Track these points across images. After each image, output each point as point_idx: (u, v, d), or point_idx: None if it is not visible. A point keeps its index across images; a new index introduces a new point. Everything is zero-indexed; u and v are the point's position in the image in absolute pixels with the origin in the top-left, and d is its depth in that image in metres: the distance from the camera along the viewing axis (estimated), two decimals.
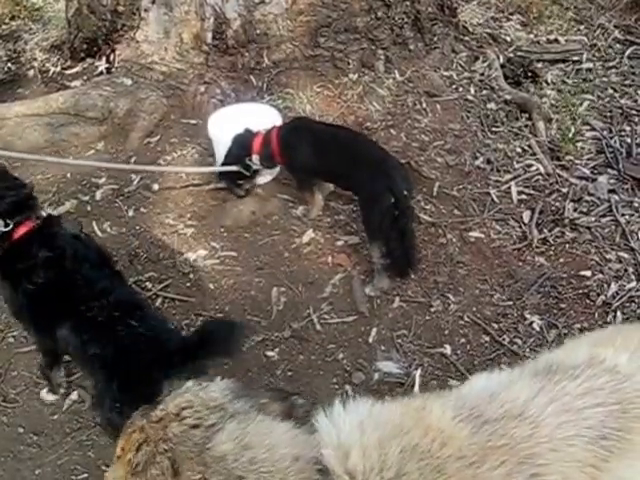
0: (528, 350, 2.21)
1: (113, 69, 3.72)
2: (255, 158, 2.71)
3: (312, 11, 3.37)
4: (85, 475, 1.99)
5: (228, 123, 2.85)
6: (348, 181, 2.57)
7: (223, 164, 2.79)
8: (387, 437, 1.03)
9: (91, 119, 3.37)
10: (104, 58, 3.86)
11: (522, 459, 1.03)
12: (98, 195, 3.01)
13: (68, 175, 3.14)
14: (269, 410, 1.14)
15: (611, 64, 3.62)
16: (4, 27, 4.96)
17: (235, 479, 0.99)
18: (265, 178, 2.92)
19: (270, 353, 2.28)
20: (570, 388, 1.12)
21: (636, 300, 2.35)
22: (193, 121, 3.35)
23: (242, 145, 2.73)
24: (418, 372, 2.16)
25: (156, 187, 3.01)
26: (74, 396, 2.23)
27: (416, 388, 2.11)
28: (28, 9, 5.00)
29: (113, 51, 3.82)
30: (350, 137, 2.72)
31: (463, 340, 2.28)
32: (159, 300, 2.51)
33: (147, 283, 2.58)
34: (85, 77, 3.86)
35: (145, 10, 3.47)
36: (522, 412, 1.08)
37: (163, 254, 2.70)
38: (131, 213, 2.90)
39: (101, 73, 3.79)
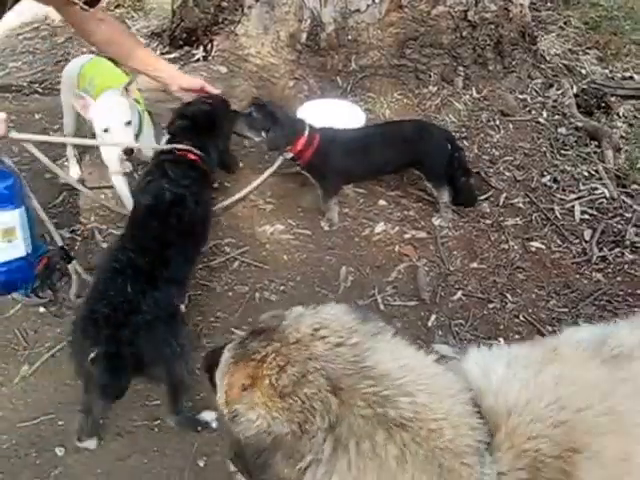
0: None
1: (209, 58, 4.03)
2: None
3: (402, 24, 3.61)
4: (157, 402, 2.18)
5: (317, 114, 3.08)
6: (411, 156, 2.85)
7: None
8: (538, 369, 1.09)
9: None
10: (202, 47, 4.17)
11: None
12: None
13: None
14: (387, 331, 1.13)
15: None
16: (109, 14, 5.38)
17: (405, 394, 0.98)
18: None
19: None
20: None
21: None
22: None
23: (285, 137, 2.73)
24: None
25: (241, 164, 3.25)
26: None
27: None
28: None
29: (211, 42, 4.13)
30: (387, 125, 3.17)
31: (517, 337, 2.41)
32: (236, 263, 2.73)
33: (226, 247, 2.81)
34: (182, 63, 4.17)
35: (249, 7, 3.76)
36: (630, 354, 1.15)
37: (243, 224, 2.93)
38: (215, 185, 3.15)
39: (197, 60, 4.10)
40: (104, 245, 2.85)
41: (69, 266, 2.46)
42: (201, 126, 2.41)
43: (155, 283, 1.95)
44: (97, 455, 2.02)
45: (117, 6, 5.42)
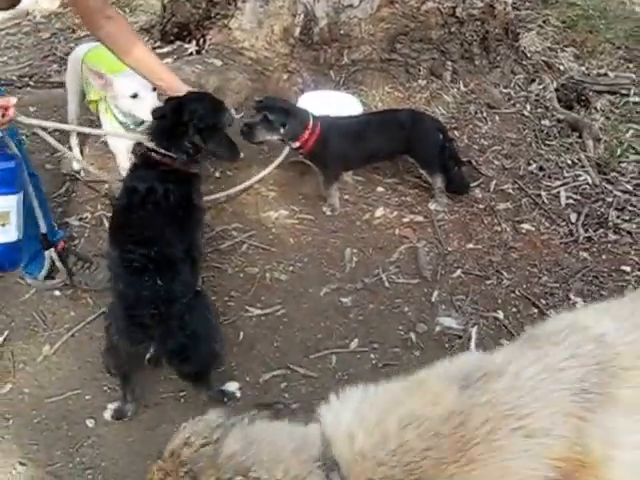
0: None
1: (203, 51, 4.10)
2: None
3: (393, 19, 3.75)
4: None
5: (317, 104, 3.20)
6: (405, 144, 3.00)
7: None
8: (384, 412, 1.11)
9: None
10: (194, 41, 4.25)
11: (506, 412, 1.07)
12: None
13: None
14: (260, 417, 1.24)
15: None
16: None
17: (245, 470, 1.10)
18: None
19: (344, 299, 2.58)
20: (552, 352, 1.18)
21: None
22: None
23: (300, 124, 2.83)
24: (474, 329, 2.46)
25: (241, 154, 3.34)
26: None
27: (472, 342, 2.41)
28: None
29: (203, 36, 4.21)
30: (382, 113, 3.30)
31: (514, 309, 2.58)
32: (244, 246, 2.83)
33: (233, 232, 2.91)
34: (175, 57, 4.23)
35: (243, 1, 3.85)
36: (501, 371, 1.14)
37: (247, 211, 3.03)
38: (217, 174, 3.24)
39: (190, 54, 4.17)
40: None
41: (46, 252, 2.47)
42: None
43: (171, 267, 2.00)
44: (127, 425, 2.12)
45: None
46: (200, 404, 2.17)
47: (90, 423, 2.16)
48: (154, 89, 2.53)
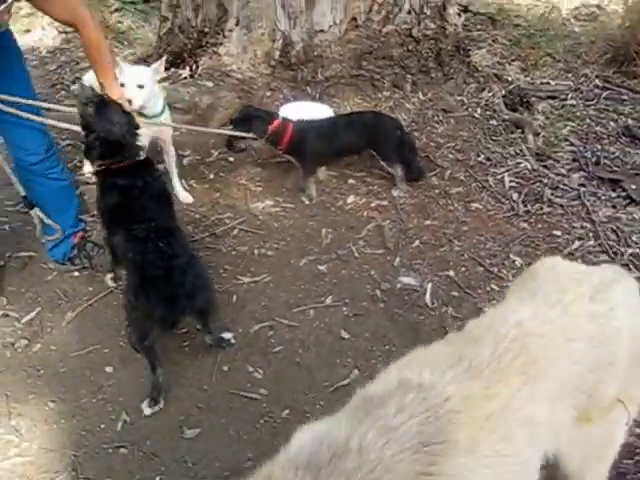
0: (511, 277, 3.01)
1: (195, 75, 4.68)
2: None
3: (359, 41, 4.37)
4: (184, 330, 2.75)
5: (296, 112, 3.76)
6: (369, 140, 3.56)
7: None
8: None
9: (179, 109, 4.27)
10: (187, 68, 4.83)
11: None
12: (185, 162, 3.88)
13: None
14: None
15: (590, 103, 4.56)
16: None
17: None
18: None
19: (320, 267, 3.08)
20: (384, 412, 1.19)
21: (592, 253, 3.17)
22: None
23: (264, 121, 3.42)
24: (430, 285, 2.95)
25: (232, 158, 3.88)
26: None
27: (428, 294, 2.91)
28: (115, 32, 6.04)
29: (195, 62, 4.80)
30: (349, 115, 3.82)
31: (463, 269, 3.08)
32: (235, 230, 3.33)
33: (226, 220, 3.41)
34: (171, 81, 4.81)
35: (229, 30, 4.46)
36: (346, 448, 1.12)
37: (238, 203, 3.55)
38: (212, 176, 3.77)
39: (185, 78, 4.75)
40: None
41: (31, 212, 2.77)
42: None
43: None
44: (142, 368, 2.51)
45: None
46: (201, 349, 2.63)
47: (109, 369, 2.58)
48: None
